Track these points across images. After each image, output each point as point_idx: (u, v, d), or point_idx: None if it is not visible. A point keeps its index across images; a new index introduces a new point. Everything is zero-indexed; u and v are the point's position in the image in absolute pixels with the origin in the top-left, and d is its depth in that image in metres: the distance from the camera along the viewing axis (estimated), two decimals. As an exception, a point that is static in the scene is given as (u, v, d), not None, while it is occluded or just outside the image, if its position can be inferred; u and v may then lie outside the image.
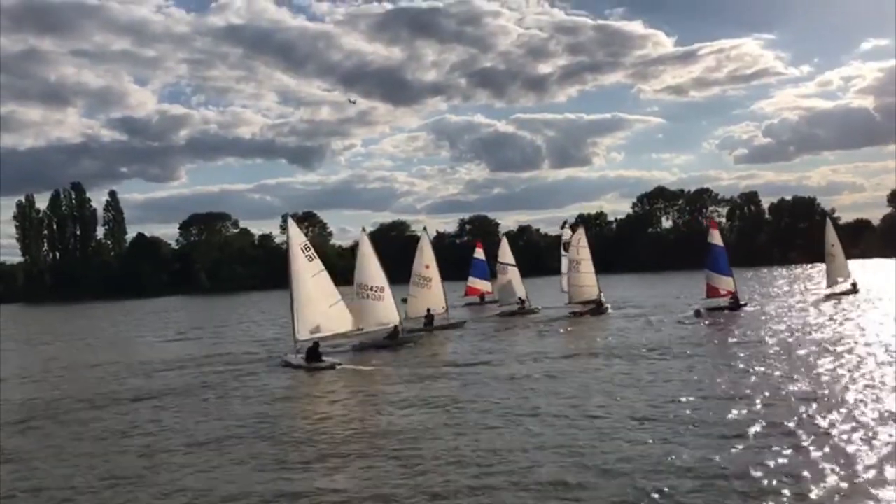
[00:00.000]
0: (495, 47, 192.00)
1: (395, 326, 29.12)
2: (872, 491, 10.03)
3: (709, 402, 15.89)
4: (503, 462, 12.23)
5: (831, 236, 44.79)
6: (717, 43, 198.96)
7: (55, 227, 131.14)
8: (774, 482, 10.49)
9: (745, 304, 38.01)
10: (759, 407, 15.07)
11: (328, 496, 11.13)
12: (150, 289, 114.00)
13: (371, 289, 28.76)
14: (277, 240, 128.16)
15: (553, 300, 43.56)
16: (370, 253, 29.47)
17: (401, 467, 12.23)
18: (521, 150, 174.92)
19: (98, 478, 12.72)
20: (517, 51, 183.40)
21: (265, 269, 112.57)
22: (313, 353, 24.31)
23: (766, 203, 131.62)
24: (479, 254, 50.56)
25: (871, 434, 12.58)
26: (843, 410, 14.37)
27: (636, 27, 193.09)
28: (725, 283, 37.44)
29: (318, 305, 25.58)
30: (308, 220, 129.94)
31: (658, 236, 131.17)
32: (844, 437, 12.56)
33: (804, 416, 14.10)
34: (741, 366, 20.29)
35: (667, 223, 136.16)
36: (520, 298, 42.18)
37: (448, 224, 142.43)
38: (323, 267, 26.30)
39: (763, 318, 33.35)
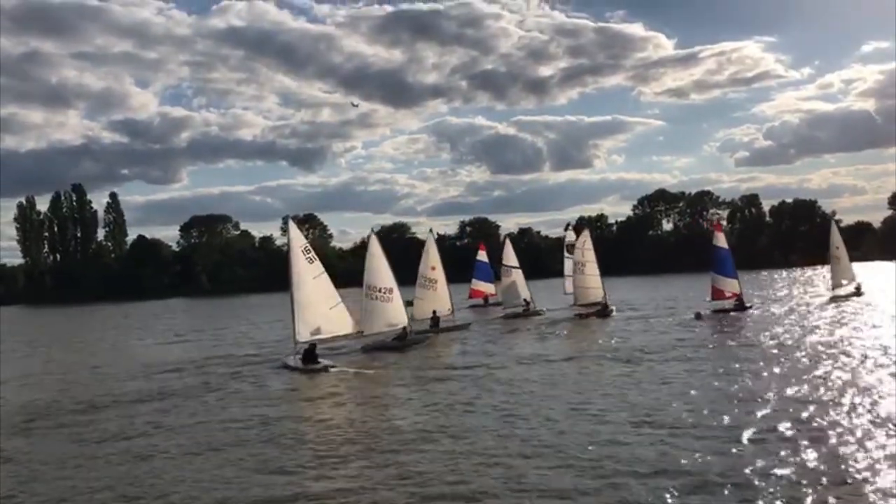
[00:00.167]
0: (496, 49, 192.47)
1: (404, 328, 29.23)
2: (871, 497, 9.99)
3: (707, 405, 15.80)
4: (500, 466, 12.19)
5: (836, 239, 44.79)
6: (718, 45, 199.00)
7: (56, 228, 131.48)
8: (772, 488, 10.44)
9: (751, 307, 38.00)
10: (758, 411, 15.02)
11: (323, 500, 11.10)
12: (151, 291, 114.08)
13: (380, 290, 28.81)
14: (278, 242, 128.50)
15: (557, 302, 43.61)
16: (379, 254, 29.53)
17: (395, 472, 12.19)
18: (522, 152, 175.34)
19: (97, 480, 12.68)
20: (518, 53, 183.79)
21: (266, 271, 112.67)
22: (310, 354, 24.35)
23: (766, 206, 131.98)
24: (482, 256, 50.69)
25: (872, 439, 12.52)
26: (844, 414, 14.34)
27: (637, 29, 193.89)
28: (730, 286, 37.43)
29: (319, 308, 25.57)
30: (309, 223, 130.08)
31: (659, 239, 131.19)
32: (845, 440, 12.52)
33: (804, 418, 14.07)
34: (742, 369, 20.24)
35: (667, 226, 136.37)
36: (525, 300, 42.30)
37: (449, 226, 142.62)
38: (323, 269, 26.30)
39: (767, 320, 33.28)
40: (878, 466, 11.09)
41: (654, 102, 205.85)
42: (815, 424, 13.66)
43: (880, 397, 15.65)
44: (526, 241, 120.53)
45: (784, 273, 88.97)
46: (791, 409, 14.89)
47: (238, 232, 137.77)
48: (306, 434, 15.50)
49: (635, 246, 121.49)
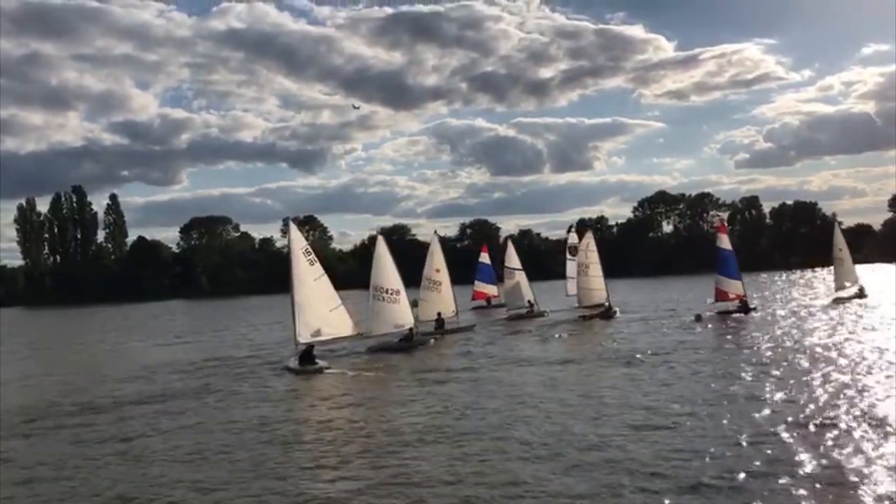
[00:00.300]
0: (496, 51, 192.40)
1: (411, 329, 29.31)
2: (868, 502, 9.97)
3: (706, 408, 15.76)
4: (498, 469, 12.16)
5: (839, 241, 44.82)
6: (719, 47, 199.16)
7: (56, 230, 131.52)
8: (768, 491, 10.42)
9: (755, 308, 38.01)
10: (756, 413, 14.98)
11: (322, 501, 11.10)
12: (151, 292, 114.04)
13: (387, 291, 28.93)
14: (278, 243, 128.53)
15: (559, 304, 43.71)
16: (386, 256, 29.62)
17: (393, 474, 12.16)
18: (522, 154, 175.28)
19: (97, 481, 12.67)
20: (518, 55, 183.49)
21: (266, 272, 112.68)
22: (307, 355, 24.36)
23: (767, 208, 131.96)
24: (485, 258, 50.79)
25: (871, 442, 12.46)
26: (844, 416, 14.29)
27: (637, 31, 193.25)
28: (734, 287, 37.48)
29: (319, 309, 25.57)
30: (309, 224, 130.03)
31: (659, 241, 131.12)
32: (843, 443, 12.47)
33: (803, 421, 14.03)
34: (742, 371, 20.17)
35: (668, 228, 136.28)
36: (529, 302, 42.44)
37: (449, 228, 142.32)
38: (323, 271, 26.32)
39: (770, 322, 33.22)
40: (876, 470, 11.05)
41: (655, 104, 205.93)
42: (812, 428, 13.60)
43: (878, 400, 15.61)
44: (526, 243, 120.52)
45: (785, 275, 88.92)
46: (790, 412, 14.85)
47: (238, 233, 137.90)
48: (305, 436, 15.48)
49: (635, 248, 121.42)
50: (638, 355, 24.05)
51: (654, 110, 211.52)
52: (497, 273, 49.55)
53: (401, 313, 29.14)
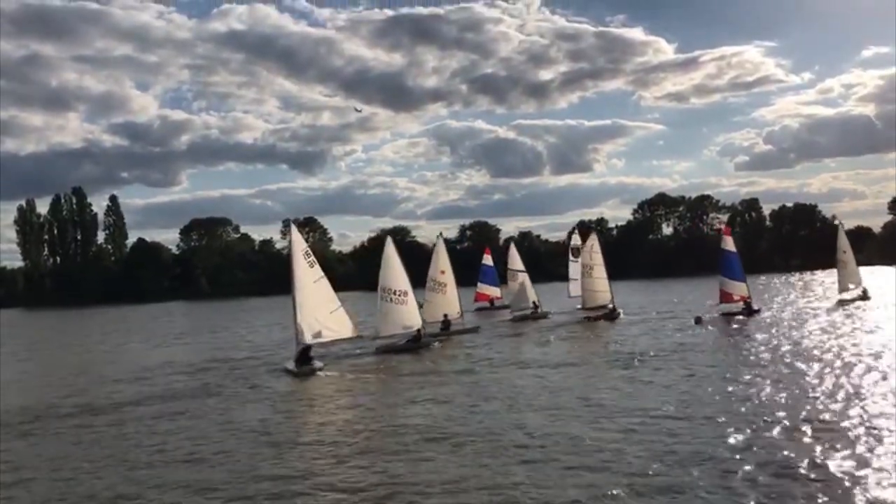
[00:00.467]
0: (496, 53, 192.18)
1: (418, 330, 29.39)
2: None
3: (706, 410, 15.75)
4: (495, 471, 12.14)
5: (843, 243, 44.92)
6: (718, 50, 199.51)
7: (56, 231, 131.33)
8: (765, 495, 10.43)
9: (759, 310, 38.05)
10: (756, 413, 14.97)
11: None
12: (151, 294, 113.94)
13: (395, 292, 29.08)
14: (278, 245, 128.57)
15: (562, 305, 43.73)
16: (394, 257, 29.74)
17: (391, 476, 12.15)
18: (522, 156, 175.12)
19: (96, 481, 12.66)
20: (518, 57, 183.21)
21: (266, 274, 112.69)
22: (303, 356, 24.38)
23: (767, 210, 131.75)
24: (488, 260, 50.95)
25: (867, 451, 12.29)
26: (844, 418, 14.28)
27: (637, 34, 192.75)
28: (739, 289, 37.59)
29: (319, 311, 25.59)
30: (309, 226, 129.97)
31: (659, 243, 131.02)
32: (841, 445, 12.45)
33: (802, 422, 14.01)
34: (741, 373, 20.11)
35: (667, 230, 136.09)
36: (533, 303, 42.58)
37: (448, 230, 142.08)
38: (323, 273, 26.34)
39: (772, 323, 33.18)
40: (874, 474, 11.04)
41: (655, 107, 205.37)
42: (811, 430, 13.57)
43: (875, 402, 15.59)
44: (526, 245, 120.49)
45: (786, 277, 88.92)
46: (789, 414, 14.82)
47: (238, 235, 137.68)
48: (304, 438, 15.47)
49: (635, 250, 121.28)
50: (639, 357, 24.05)
51: (653, 112, 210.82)
52: (500, 275, 49.76)
53: (409, 314, 29.28)
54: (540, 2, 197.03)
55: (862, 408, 15.11)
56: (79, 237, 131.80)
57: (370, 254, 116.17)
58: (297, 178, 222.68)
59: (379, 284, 29.21)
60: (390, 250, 29.97)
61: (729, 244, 38.63)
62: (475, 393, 19.46)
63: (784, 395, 16.91)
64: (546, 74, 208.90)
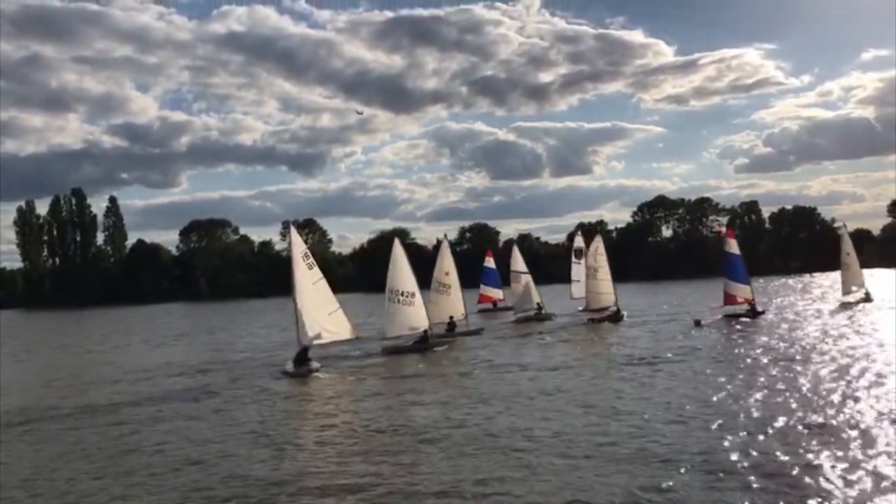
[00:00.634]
0: (496, 56, 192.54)
1: (425, 331, 29.47)
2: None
3: (704, 411, 15.76)
4: (492, 474, 12.13)
5: (847, 245, 45.12)
6: (718, 52, 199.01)
7: (55, 232, 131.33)
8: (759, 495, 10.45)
9: (763, 312, 38.07)
10: (755, 415, 14.98)
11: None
12: (150, 295, 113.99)
13: (402, 294, 29.23)
14: (277, 247, 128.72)
15: (565, 307, 43.84)
16: (402, 258, 29.84)
17: (389, 477, 12.15)
18: (522, 158, 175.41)
19: (95, 482, 12.66)
20: (518, 59, 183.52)
21: (265, 275, 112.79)
22: (301, 358, 24.43)
23: (766, 212, 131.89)
24: (490, 262, 51.00)
25: (867, 457, 12.23)
26: (842, 420, 14.27)
27: (637, 36, 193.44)
28: (743, 291, 37.69)
29: (319, 313, 25.61)
30: (308, 227, 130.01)
31: (658, 245, 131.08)
32: (838, 448, 12.45)
33: (799, 425, 14.03)
34: (741, 375, 20.12)
35: (667, 232, 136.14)
36: (537, 304, 42.62)
37: (448, 232, 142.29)
38: (322, 275, 26.36)
39: (775, 326, 33.17)
40: (871, 477, 11.05)
41: (654, 109, 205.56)
42: (802, 432, 13.59)
43: (872, 404, 15.60)
44: (526, 247, 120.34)
45: (786, 280, 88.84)
46: (787, 416, 14.83)
47: (237, 236, 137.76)
48: (302, 439, 15.48)
49: (635, 252, 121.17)
50: (639, 359, 24.08)
51: (653, 115, 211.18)
52: (503, 277, 49.71)
53: (415, 316, 29.39)
54: (540, 4, 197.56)
55: (861, 409, 15.10)
56: (78, 238, 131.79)
57: (370, 255, 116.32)
58: (297, 179, 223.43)
59: (386, 285, 29.32)
60: (398, 251, 30.09)
61: (733, 247, 38.78)
62: (475, 395, 19.45)
63: (783, 397, 16.88)
64: (546, 76, 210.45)
